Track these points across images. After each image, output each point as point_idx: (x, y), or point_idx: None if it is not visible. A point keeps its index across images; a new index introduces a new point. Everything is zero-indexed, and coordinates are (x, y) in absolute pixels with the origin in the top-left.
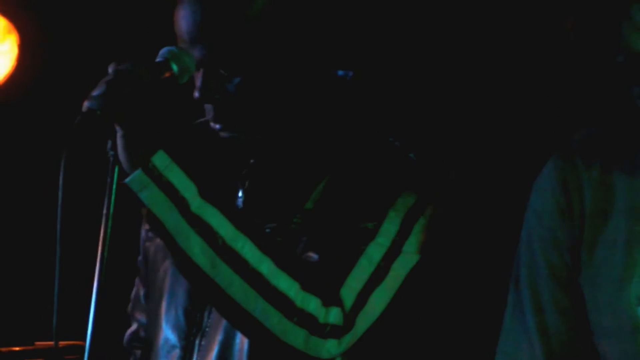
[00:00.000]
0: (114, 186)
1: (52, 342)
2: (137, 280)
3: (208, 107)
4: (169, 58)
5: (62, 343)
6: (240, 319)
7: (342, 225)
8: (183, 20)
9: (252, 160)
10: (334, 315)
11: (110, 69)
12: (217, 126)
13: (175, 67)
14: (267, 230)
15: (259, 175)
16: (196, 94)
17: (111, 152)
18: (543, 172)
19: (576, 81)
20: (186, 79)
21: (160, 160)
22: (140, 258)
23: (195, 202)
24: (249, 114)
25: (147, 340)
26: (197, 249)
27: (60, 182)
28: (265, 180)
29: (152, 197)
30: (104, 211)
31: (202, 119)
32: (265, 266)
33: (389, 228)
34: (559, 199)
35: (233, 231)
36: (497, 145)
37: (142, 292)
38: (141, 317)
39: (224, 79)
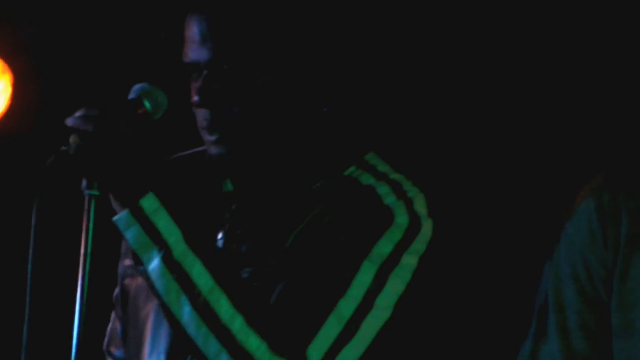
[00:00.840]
0: (91, 225)
1: None
2: (112, 315)
3: (202, 114)
4: (141, 95)
5: None
6: None
7: (315, 274)
8: (192, 22)
9: (233, 206)
10: None
11: (78, 115)
12: (211, 137)
13: (147, 104)
14: (245, 274)
15: (239, 218)
16: (195, 98)
17: (87, 191)
18: (580, 198)
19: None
20: (159, 115)
21: (149, 203)
22: (116, 293)
23: (178, 249)
24: (246, 123)
25: None
26: (173, 296)
27: (33, 222)
28: (246, 223)
29: (136, 239)
30: (82, 250)
31: (183, 153)
32: (237, 322)
33: (363, 280)
34: (594, 227)
35: (210, 283)
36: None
37: (118, 328)
38: (117, 352)
39: (227, 82)
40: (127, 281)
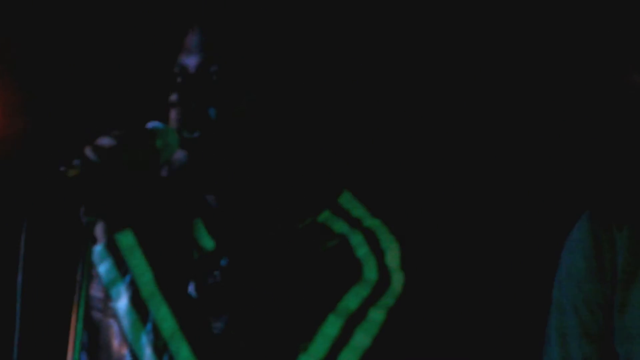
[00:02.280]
0: (89, 249)
1: None
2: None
3: (176, 114)
4: (155, 134)
5: None
6: None
7: (281, 326)
8: (192, 33)
9: (216, 273)
10: None
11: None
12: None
13: (159, 143)
14: (220, 324)
15: (220, 274)
16: (173, 96)
17: (84, 218)
18: (575, 229)
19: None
20: (165, 158)
21: (126, 240)
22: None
23: (147, 289)
24: (219, 129)
25: None
26: (136, 335)
27: (22, 245)
28: (225, 278)
29: (108, 273)
30: (78, 277)
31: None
32: None
33: (328, 333)
34: (590, 258)
35: (173, 327)
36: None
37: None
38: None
39: (210, 88)
40: (96, 314)
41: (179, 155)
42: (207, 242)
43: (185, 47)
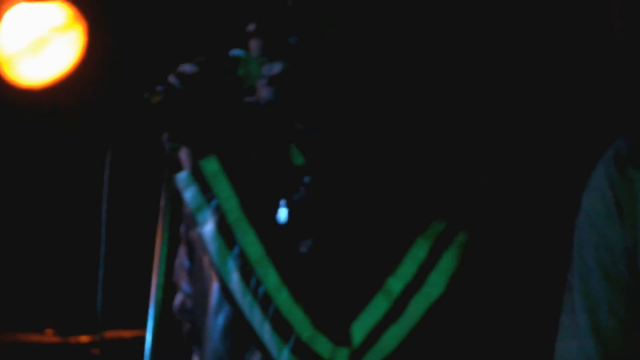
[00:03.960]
0: (170, 178)
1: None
2: (180, 251)
3: (256, 45)
4: (237, 61)
5: (127, 333)
6: (252, 341)
7: (368, 249)
8: None
9: (303, 180)
10: (340, 356)
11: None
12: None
13: (241, 71)
14: (304, 248)
15: (306, 193)
16: (251, 26)
17: (169, 144)
18: (593, 173)
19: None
20: (248, 85)
21: (210, 166)
22: (182, 229)
23: (233, 215)
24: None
25: (195, 323)
26: (222, 260)
27: (107, 166)
28: (312, 199)
29: (194, 199)
30: (162, 203)
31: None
32: (283, 295)
33: (416, 255)
34: (609, 201)
35: (260, 252)
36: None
37: (185, 264)
38: (186, 286)
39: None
40: (183, 229)
41: (266, 92)
42: (297, 159)
43: None
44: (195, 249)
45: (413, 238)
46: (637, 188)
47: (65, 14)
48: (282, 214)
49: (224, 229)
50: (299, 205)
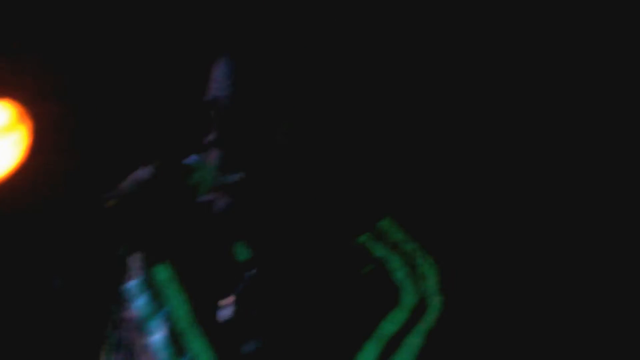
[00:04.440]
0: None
1: None
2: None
3: (216, 154)
4: (192, 169)
5: None
6: None
7: (317, 352)
8: (220, 62)
9: (248, 274)
10: None
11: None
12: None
13: (196, 179)
14: (251, 347)
15: (253, 288)
16: (211, 136)
17: (121, 250)
18: None
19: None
20: (202, 193)
21: (162, 273)
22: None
23: (184, 323)
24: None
25: None
26: None
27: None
28: (258, 294)
29: (144, 307)
30: (110, 311)
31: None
32: None
33: (367, 354)
34: None
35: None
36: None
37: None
38: None
39: (245, 124)
40: (128, 336)
41: (221, 202)
42: (242, 254)
43: (215, 81)
44: (135, 354)
45: (361, 341)
46: None
47: (9, 114)
48: (227, 310)
49: (175, 337)
50: (243, 299)
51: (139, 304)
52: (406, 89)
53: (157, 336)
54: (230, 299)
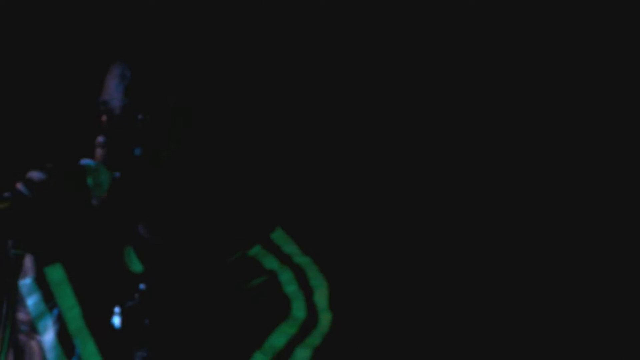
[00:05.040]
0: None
1: None
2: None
3: (102, 154)
4: (86, 171)
5: None
6: None
7: None
8: (116, 67)
9: (141, 287)
10: None
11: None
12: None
13: (90, 180)
14: (141, 356)
15: (145, 299)
16: (100, 138)
17: (13, 250)
18: None
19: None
20: (96, 195)
21: (55, 274)
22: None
23: (74, 324)
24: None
25: None
26: None
27: None
28: (150, 305)
29: (36, 306)
30: (3, 311)
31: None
32: None
33: None
34: None
35: None
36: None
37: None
38: None
39: (135, 131)
40: (21, 337)
41: (107, 198)
42: (137, 267)
43: (107, 86)
44: (25, 356)
45: (250, 353)
46: None
47: None
48: (117, 320)
49: (64, 339)
50: (135, 313)
51: (31, 304)
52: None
53: (47, 336)
54: (123, 307)
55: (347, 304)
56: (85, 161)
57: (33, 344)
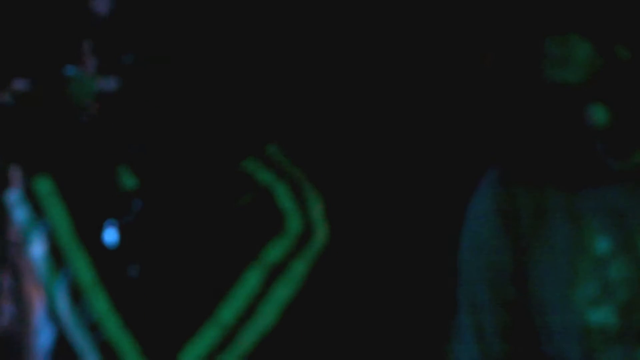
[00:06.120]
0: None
1: None
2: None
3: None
4: (70, 79)
5: None
6: None
7: (200, 277)
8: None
9: (134, 204)
10: None
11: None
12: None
13: (74, 89)
14: (134, 272)
15: (138, 216)
16: None
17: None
18: (477, 198)
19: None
20: (80, 104)
21: (44, 186)
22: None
23: (65, 238)
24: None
25: (19, 344)
26: (52, 283)
27: None
28: (141, 224)
29: (24, 218)
30: None
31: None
32: (111, 323)
33: (247, 285)
34: (496, 229)
35: (90, 278)
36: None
37: (9, 284)
38: (10, 306)
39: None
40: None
41: (98, 109)
42: (129, 182)
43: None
44: (20, 268)
45: (245, 267)
46: (522, 213)
47: None
48: (111, 237)
49: (55, 252)
50: (128, 229)
51: (19, 215)
52: None
53: (37, 249)
54: (116, 223)
55: (342, 218)
56: (68, 69)
57: (23, 259)
